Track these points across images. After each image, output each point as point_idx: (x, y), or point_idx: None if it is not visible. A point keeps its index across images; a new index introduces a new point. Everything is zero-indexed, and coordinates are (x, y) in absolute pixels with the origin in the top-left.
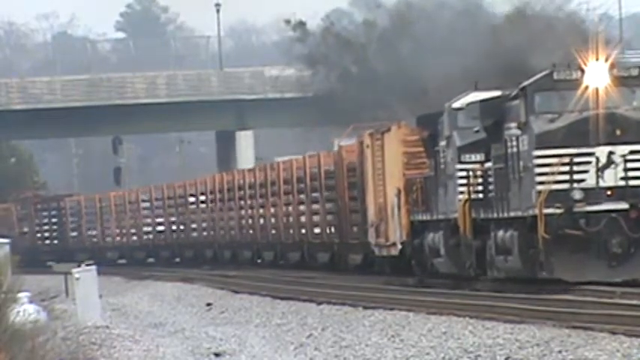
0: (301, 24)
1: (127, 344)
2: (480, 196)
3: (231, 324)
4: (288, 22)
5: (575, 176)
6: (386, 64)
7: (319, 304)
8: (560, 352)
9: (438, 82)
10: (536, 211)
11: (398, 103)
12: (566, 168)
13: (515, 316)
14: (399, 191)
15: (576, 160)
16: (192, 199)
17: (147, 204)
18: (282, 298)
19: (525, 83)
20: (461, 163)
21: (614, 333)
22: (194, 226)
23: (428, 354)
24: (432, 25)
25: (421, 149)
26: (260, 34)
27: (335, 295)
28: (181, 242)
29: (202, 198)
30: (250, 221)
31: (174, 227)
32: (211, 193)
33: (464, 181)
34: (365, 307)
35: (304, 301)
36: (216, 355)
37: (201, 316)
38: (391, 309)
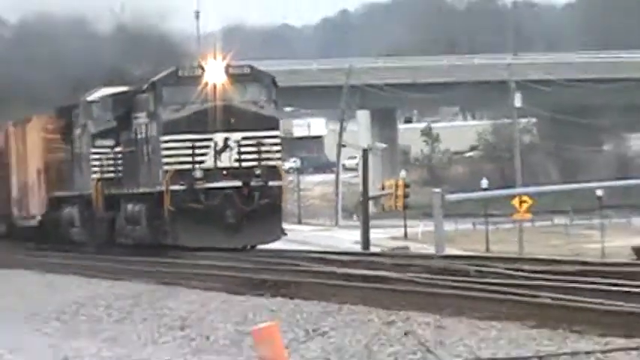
0: None
1: None
2: (112, 175)
3: None
4: None
5: (197, 158)
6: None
7: None
8: (148, 302)
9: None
10: (164, 188)
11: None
12: (189, 151)
13: (112, 274)
14: (39, 171)
15: (197, 144)
16: None
17: None
18: None
19: (154, 79)
20: (94, 147)
21: (193, 288)
22: None
23: (41, 303)
24: (47, 39)
25: (59, 136)
26: None
27: None
28: None
29: None
30: None
31: None
32: None
33: (97, 163)
34: None
35: None
36: None
37: None
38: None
